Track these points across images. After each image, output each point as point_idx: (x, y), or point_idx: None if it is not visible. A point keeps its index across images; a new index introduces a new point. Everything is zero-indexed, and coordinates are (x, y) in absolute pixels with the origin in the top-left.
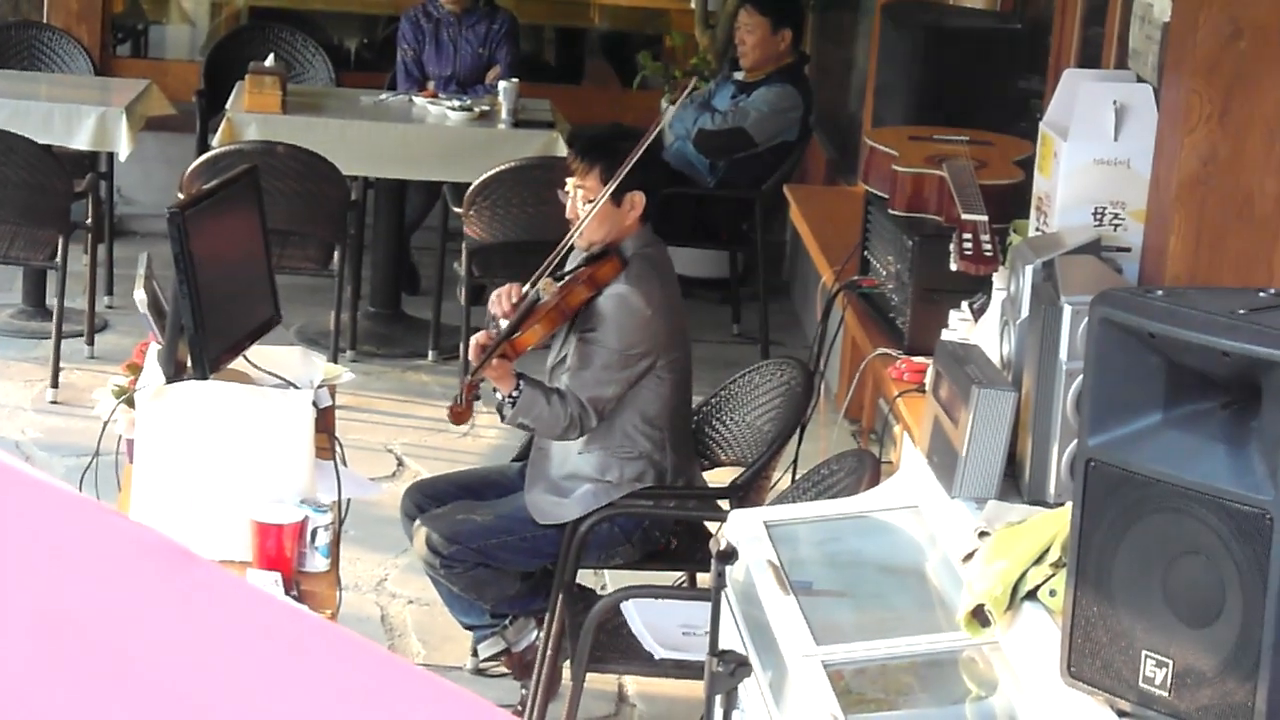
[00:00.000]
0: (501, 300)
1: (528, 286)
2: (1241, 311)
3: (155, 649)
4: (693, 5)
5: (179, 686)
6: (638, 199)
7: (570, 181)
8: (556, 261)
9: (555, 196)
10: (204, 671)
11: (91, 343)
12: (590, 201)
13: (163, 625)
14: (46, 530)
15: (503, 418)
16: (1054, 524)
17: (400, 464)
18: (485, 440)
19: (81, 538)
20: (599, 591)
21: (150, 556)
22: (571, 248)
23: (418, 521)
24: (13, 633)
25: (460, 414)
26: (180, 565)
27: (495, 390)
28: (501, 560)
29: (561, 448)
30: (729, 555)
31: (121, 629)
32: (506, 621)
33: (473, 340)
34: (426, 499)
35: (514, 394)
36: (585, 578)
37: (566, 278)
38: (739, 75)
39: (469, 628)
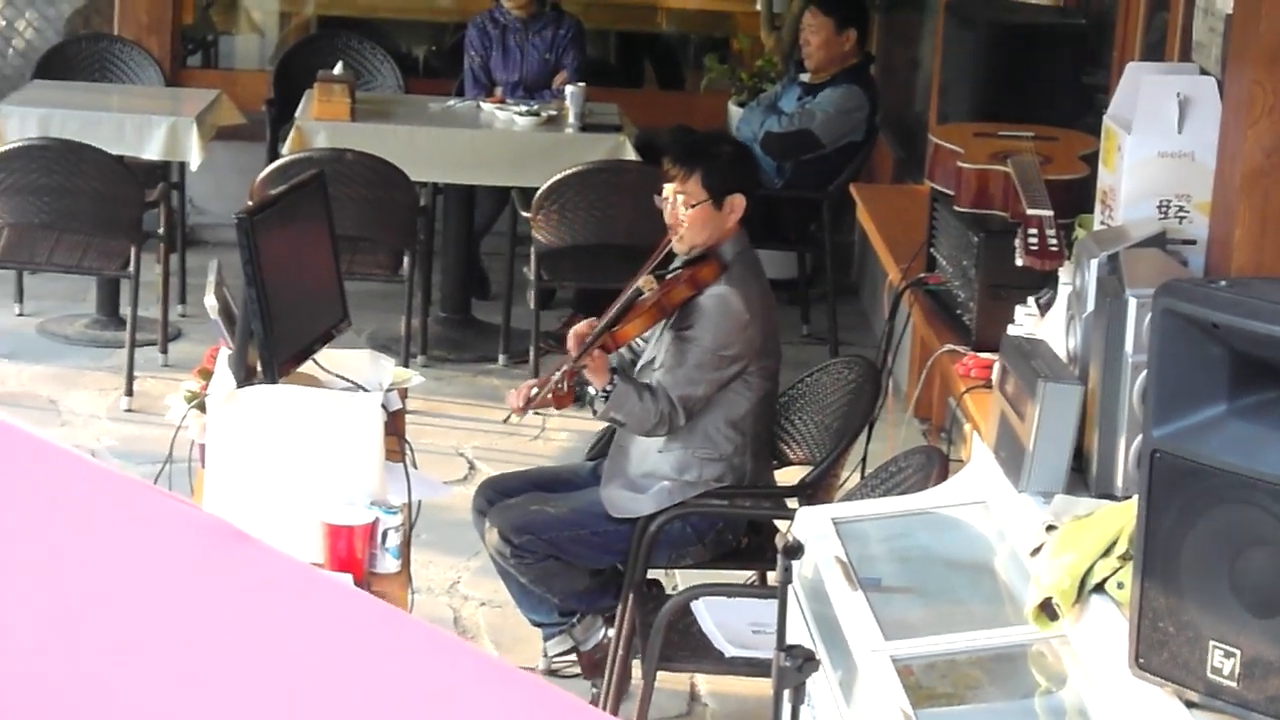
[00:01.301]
0: (579, 332)
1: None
2: None
3: (207, 619)
4: (758, 7)
5: (228, 655)
6: (738, 202)
7: (669, 188)
8: (656, 262)
9: (622, 200)
10: (253, 640)
11: (165, 351)
12: (692, 206)
13: (216, 597)
14: (105, 508)
15: (594, 412)
16: (1121, 516)
17: (471, 467)
18: (556, 443)
19: (139, 516)
20: (669, 591)
21: (204, 534)
22: (670, 253)
23: (490, 512)
24: (69, 604)
25: (563, 399)
26: (234, 543)
27: (588, 384)
28: (572, 554)
29: (641, 446)
30: (795, 550)
31: (176, 602)
32: (574, 619)
33: (571, 331)
34: (498, 495)
35: (608, 388)
36: (655, 576)
37: (668, 276)
38: (804, 77)
39: (537, 624)
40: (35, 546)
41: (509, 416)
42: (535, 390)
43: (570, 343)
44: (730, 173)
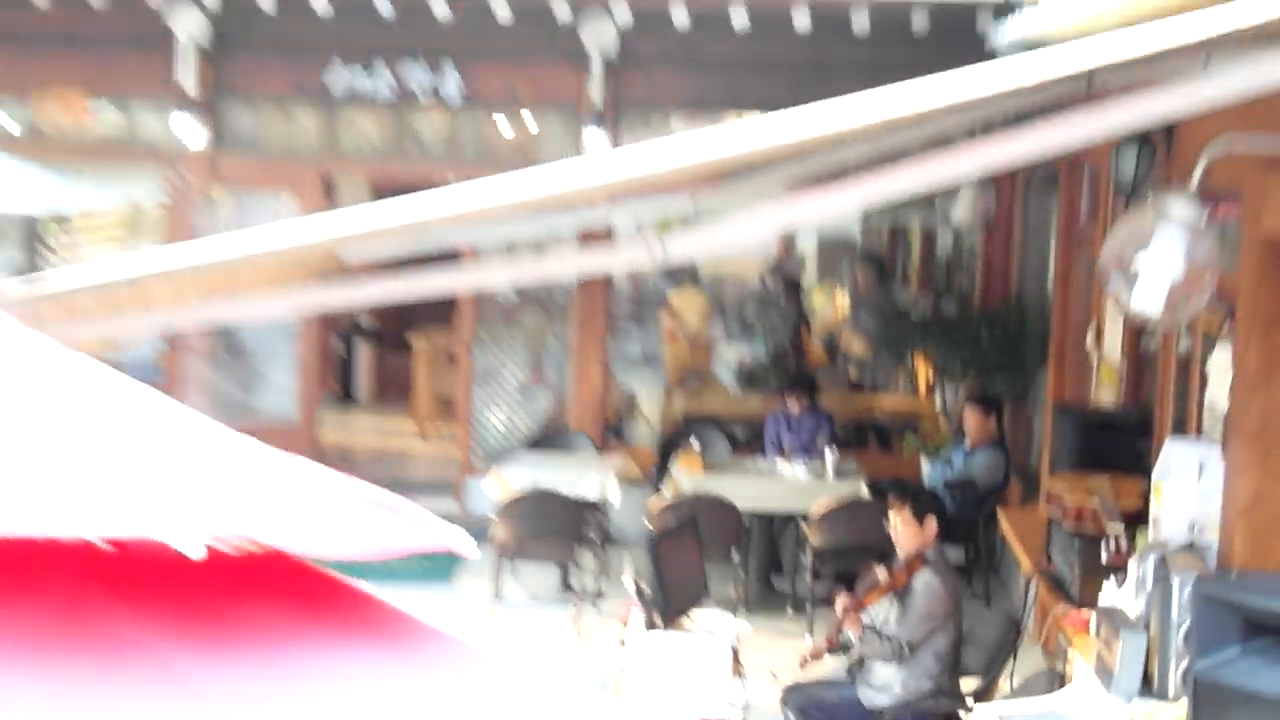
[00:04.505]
0: (843, 602)
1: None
2: None
3: None
4: (938, 408)
5: None
6: (932, 522)
7: (892, 514)
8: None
9: (861, 520)
10: None
11: (597, 606)
12: (905, 525)
13: None
14: None
15: (852, 652)
16: (1175, 711)
17: (777, 680)
18: (829, 665)
19: None
20: None
21: None
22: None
23: (794, 688)
24: None
25: (833, 641)
26: None
27: (849, 633)
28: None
29: (881, 666)
30: None
31: None
32: None
33: (839, 601)
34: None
35: (862, 635)
36: None
37: (893, 568)
38: (965, 444)
39: None
40: None
41: (803, 664)
42: (813, 652)
43: (839, 608)
44: (927, 506)
